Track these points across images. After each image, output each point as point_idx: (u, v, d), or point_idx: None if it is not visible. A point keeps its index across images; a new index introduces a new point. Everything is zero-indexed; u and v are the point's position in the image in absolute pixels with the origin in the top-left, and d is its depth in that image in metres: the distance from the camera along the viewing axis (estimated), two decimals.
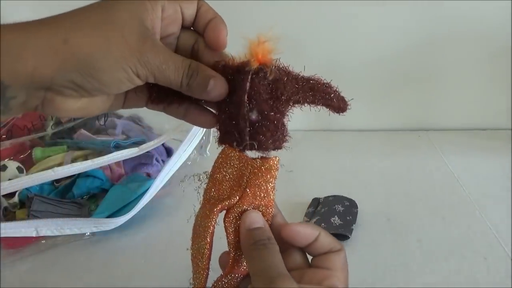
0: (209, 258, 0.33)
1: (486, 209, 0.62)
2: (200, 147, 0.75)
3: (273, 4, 0.81)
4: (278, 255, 0.31)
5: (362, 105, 0.91)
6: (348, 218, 0.58)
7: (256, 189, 0.33)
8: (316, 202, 0.64)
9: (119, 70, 0.27)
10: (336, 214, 0.58)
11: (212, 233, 0.33)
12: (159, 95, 0.32)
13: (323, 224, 0.57)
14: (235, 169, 0.33)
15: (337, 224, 0.57)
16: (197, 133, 0.70)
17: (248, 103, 0.30)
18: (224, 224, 0.33)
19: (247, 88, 0.30)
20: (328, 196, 0.63)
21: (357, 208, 0.61)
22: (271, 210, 0.34)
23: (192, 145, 0.69)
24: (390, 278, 0.50)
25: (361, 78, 0.87)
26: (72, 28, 0.27)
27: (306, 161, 0.79)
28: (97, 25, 0.27)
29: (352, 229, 0.57)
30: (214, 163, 0.34)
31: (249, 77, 0.30)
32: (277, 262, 0.30)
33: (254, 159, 0.33)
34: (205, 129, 0.71)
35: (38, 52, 0.26)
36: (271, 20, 0.84)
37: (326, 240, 0.33)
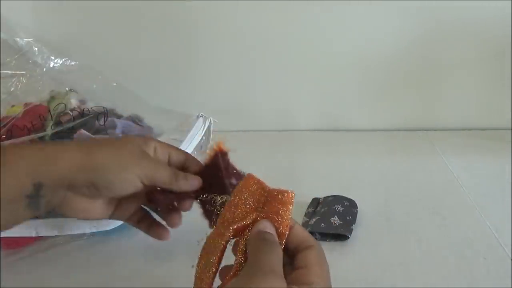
0: (214, 276, 0.33)
1: (486, 209, 0.62)
2: (200, 147, 0.75)
3: (272, 4, 0.81)
4: (280, 257, 0.32)
5: (362, 105, 0.91)
6: (348, 218, 0.58)
7: (271, 215, 0.34)
8: (316, 202, 0.64)
9: (126, 174, 0.37)
10: (336, 214, 0.58)
11: (223, 250, 0.34)
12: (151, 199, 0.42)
13: (322, 224, 0.57)
14: (253, 194, 0.36)
15: (337, 224, 0.57)
16: (197, 133, 0.70)
17: (225, 173, 0.40)
18: (235, 243, 0.35)
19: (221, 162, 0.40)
20: (328, 196, 0.63)
21: (357, 208, 0.61)
22: (284, 232, 0.34)
23: (192, 145, 0.69)
24: (390, 278, 0.50)
25: (361, 78, 0.87)
26: (94, 146, 0.37)
27: (306, 161, 0.79)
28: (111, 147, 0.38)
29: (352, 229, 0.57)
30: (235, 188, 0.37)
31: (219, 156, 0.40)
32: (277, 260, 0.31)
33: (272, 189, 0.36)
34: (205, 129, 0.71)
35: (68, 159, 0.35)
36: (271, 20, 0.84)
37: (299, 233, 0.35)
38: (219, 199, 0.39)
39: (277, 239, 0.33)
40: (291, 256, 0.34)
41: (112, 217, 0.42)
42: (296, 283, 0.31)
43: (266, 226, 0.34)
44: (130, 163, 0.37)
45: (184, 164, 0.42)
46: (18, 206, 0.33)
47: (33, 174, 0.33)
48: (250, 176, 0.37)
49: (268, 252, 0.32)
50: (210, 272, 0.33)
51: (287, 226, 0.34)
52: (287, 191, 0.35)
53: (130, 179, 0.37)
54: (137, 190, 0.38)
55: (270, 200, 0.35)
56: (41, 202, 0.34)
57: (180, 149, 0.43)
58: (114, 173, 0.36)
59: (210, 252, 0.34)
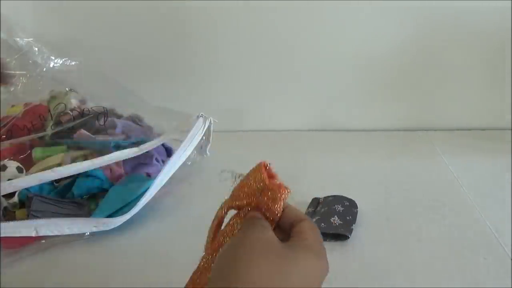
0: (213, 238, 0.37)
1: (486, 209, 0.62)
2: (200, 147, 0.75)
3: (272, 4, 0.81)
4: (270, 231, 0.35)
5: (362, 105, 0.91)
6: (348, 218, 0.58)
7: (260, 205, 0.37)
8: (316, 202, 0.64)
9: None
10: (336, 214, 0.58)
11: (220, 219, 0.38)
12: None
13: (322, 224, 0.57)
14: (256, 181, 0.38)
15: (337, 224, 0.57)
16: (197, 133, 0.70)
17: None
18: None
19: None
20: (328, 196, 0.63)
21: (357, 208, 0.61)
22: (274, 219, 0.37)
23: (192, 145, 0.69)
24: (390, 278, 0.50)
25: (361, 78, 0.87)
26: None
27: (306, 161, 0.79)
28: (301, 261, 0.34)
29: (352, 229, 0.57)
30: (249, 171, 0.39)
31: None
32: (270, 233, 0.34)
33: (270, 183, 0.37)
34: (205, 129, 0.71)
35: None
36: (271, 20, 0.84)
37: (292, 212, 0.37)
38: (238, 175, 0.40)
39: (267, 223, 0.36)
40: (288, 233, 0.36)
41: None
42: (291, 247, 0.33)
43: (255, 214, 0.37)
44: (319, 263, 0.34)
45: None
46: None
47: None
48: (260, 164, 0.39)
49: (257, 225, 0.35)
50: (209, 237, 0.38)
51: (276, 215, 0.37)
52: (279, 190, 0.37)
53: None
54: None
55: (265, 192, 0.37)
56: None
57: None
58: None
59: (211, 223, 0.38)
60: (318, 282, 0.33)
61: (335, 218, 0.57)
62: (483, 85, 0.86)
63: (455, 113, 0.90)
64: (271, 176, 0.38)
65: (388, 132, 0.90)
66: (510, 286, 0.48)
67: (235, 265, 0.31)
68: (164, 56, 0.89)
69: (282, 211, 0.37)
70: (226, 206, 0.38)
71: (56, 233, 0.56)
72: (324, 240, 0.56)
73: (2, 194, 0.57)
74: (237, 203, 0.38)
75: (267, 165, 0.39)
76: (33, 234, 0.54)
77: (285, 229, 0.37)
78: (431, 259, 0.53)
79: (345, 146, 0.86)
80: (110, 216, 0.59)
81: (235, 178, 0.40)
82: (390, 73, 0.87)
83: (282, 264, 0.31)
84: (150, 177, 0.68)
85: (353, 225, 0.57)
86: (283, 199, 0.37)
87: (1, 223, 0.53)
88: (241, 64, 0.89)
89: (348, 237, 0.56)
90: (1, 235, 0.53)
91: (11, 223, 0.54)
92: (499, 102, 0.86)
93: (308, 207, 0.63)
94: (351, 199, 0.62)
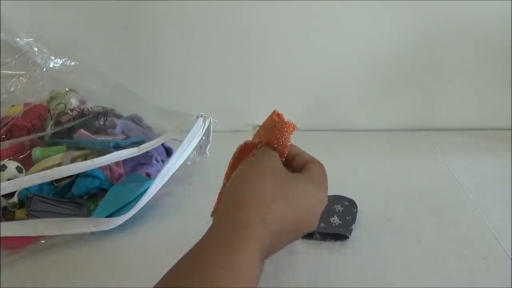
0: (230, 170, 0.45)
1: (486, 209, 0.62)
2: (200, 147, 0.75)
3: (272, 4, 0.81)
4: (278, 160, 0.41)
5: (362, 105, 0.91)
6: (347, 218, 0.58)
7: (271, 138, 0.44)
8: None
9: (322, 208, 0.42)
10: (335, 214, 0.58)
11: (237, 155, 0.45)
12: None
13: (322, 224, 0.57)
14: (270, 123, 0.45)
15: (337, 224, 0.57)
16: (197, 133, 0.70)
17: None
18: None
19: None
20: (328, 196, 0.63)
21: (356, 208, 0.61)
22: (283, 151, 0.44)
23: (192, 145, 0.69)
24: (390, 278, 0.50)
25: (361, 78, 0.87)
26: (291, 211, 0.38)
27: None
28: (304, 190, 0.41)
29: (352, 229, 0.57)
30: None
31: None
32: (277, 161, 0.41)
33: (279, 120, 0.44)
34: (205, 129, 0.71)
35: (287, 234, 0.39)
36: (271, 20, 0.84)
37: (303, 155, 0.44)
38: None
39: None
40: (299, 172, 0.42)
41: None
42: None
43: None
44: (320, 202, 0.41)
45: None
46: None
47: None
48: (274, 112, 0.45)
49: (265, 155, 0.41)
50: (230, 163, 0.46)
51: (285, 147, 0.43)
52: (286, 125, 0.43)
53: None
54: None
55: (274, 127, 0.44)
56: None
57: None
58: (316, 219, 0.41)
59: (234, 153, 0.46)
60: (315, 210, 0.39)
61: (335, 218, 0.57)
62: (483, 85, 0.86)
63: (455, 113, 0.89)
64: (282, 121, 0.44)
65: (388, 132, 0.90)
66: (510, 286, 0.48)
67: (241, 182, 0.37)
68: (164, 56, 0.89)
69: (295, 155, 0.43)
70: (245, 144, 0.45)
71: (56, 233, 0.56)
72: (324, 240, 0.56)
73: (2, 194, 0.57)
74: (255, 141, 0.45)
75: (279, 113, 0.44)
76: (33, 234, 0.55)
77: (296, 170, 0.42)
78: (431, 259, 0.53)
79: (345, 146, 0.85)
80: (110, 216, 0.59)
81: (254, 129, 0.48)
82: (390, 73, 0.87)
83: (284, 186, 0.37)
84: (149, 177, 0.68)
85: (353, 225, 0.57)
86: (290, 132, 0.43)
87: (1, 223, 0.53)
88: (241, 64, 0.89)
89: (348, 237, 0.56)
90: (1, 235, 0.53)
91: (11, 223, 0.54)
92: (499, 102, 0.86)
93: None
94: (351, 199, 0.62)
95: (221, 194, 0.45)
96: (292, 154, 0.43)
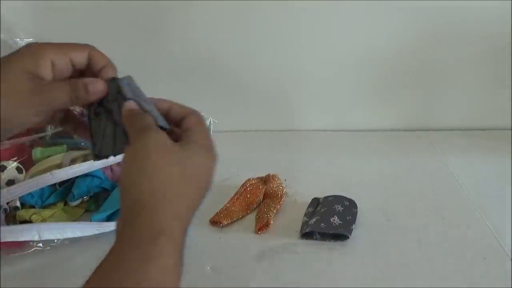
0: None
1: (486, 209, 0.62)
2: None
3: (273, 3, 0.81)
4: (148, 118, 0.36)
5: (362, 105, 0.91)
6: (348, 218, 0.58)
7: None
8: (316, 202, 0.64)
9: (19, 118, 0.35)
10: (336, 214, 0.58)
11: None
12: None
13: (322, 224, 0.57)
14: None
15: (337, 224, 0.57)
16: None
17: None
18: None
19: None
20: (328, 196, 0.63)
21: (356, 208, 0.61)
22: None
23: None
24: (390, 278, 0.50)
25: (361, 78, 0.87)
26: None
27: (306, 161, 0.79)
28: None
29: (352, 229, 0.57)
30: None
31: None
32: (146, 120, 0.35)
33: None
34: None
35: None
36: (272, 19, 0.84)
37: (178, 109, 0.38)
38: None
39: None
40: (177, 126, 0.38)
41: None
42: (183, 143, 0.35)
43: (131, 105, 0.37)
44: (18, 104, 0.34)
45: (91, 61, 0.39)
46: None
47: None
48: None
49: (140, 118, 0.35)
50: None
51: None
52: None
53: (25, 121, 0.35)
54: (39, 122, 0.37)
55: None
56: None
57: (82, 45, 0.40)
58: (5, 121, 0.34)
59: None
60: (210, 172, 0.36)
61: (335, 218, 0.57)
62: (483, 85, 0.86)
63: (455, 113, 0.89)
64: None
65: (388, 132, 0.90)
66: (510, 286, 0.48)
67: (140, 175, 0.33)
68: (164, 56, 0.89)
69: (168, 109, 0.38)
70: None
71: (58, 236, 0.56)
72: (324, 240, 0.56)
73: (2, 202, 0.56)
74: None
75: None
76: (36, 238, 0.54)
77: (174, 123, 0.38)
78: (431, 259, 0.53)
79: (345, 146, 0.85)
80: (114, 213, 0.60)
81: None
82: (390, 73, 0.86)
83: (180, 164, 0.34)
84: None
85: (353, 225, 0.57)
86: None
87: (4, 227, 0.53)
88: (241, 63, 0.89)
89: (348, 237, 0.56)
90: (3, 240, 0.53)
91: (13, 227, 0.54)
92: (499, 102, 0.86)
93: (308, 207, 0.63)
94: (351, 199, 0.62)
95: None
96: (164, 109, 0.39)
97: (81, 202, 0.65)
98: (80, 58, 0.38)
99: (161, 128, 0.36)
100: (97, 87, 0.37)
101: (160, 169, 0.32)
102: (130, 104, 0.37)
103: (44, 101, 0.35)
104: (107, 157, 0.39)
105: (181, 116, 0.38)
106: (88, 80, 0.37)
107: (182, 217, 0.33)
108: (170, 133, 0.36)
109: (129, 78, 0.39)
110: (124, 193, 0.33)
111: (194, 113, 0.38)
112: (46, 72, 0.35)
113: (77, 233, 0.57)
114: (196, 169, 0.35)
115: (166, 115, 0.38)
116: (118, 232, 0.32)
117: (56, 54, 0.36)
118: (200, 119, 0.38)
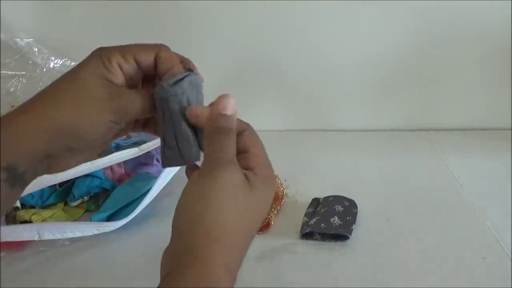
0: None
1: (486, 209, 0.62)
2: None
3: (273, 4, 0.81)
4: (233, 145, 0.34)
5: (362, 105, 0.91)
6: (348, 218, 0.58)
7: None
8: (316, 202, 0.64)
9: (100, 126, 0.33)
10: (336, 214, 0.58)
11: None
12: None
13: (323, 224, 0.57)
14: None
15: (337, 224, 0.57)
16: None
17: None
18: None
19: None
20: (328, 196, 0.63)
21: (357, 208, 0.61)
22: None
23: None
24: (390, 278, 0.50)
25: (361, 78, 0.87)
26: (52, 106, 0.32)
27: (306, 161, 0.79)
28: (68, 96, 0.32)
29: (352, 229, 0.57)
30: None
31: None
32: (231, 150, 0.33)
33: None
34: None
35: (31, 134, 0.31)
36: (272, 20, 0.84)
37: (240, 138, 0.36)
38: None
39: (233, 123, 0.35)
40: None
41: (114, 139, 0.38)
42: (242, 167, 0.34)
43: (226, 107, 0.35)
44: (95, 113, 0.32)
45: (157, 63, 0.37)
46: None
47: (3, 158, 0.30)
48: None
49: (223, 143, 0.33)
50: None
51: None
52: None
53: (102, 131, 0.33)
54: (118, 131, 0.35)
55: None
56: (25, 176, 0.32)
57: (150, 46, 0.38)
58: (82, 131, 0.32)
59: None
60: (268, 207, 0.35)
61: (335, 218, 0.57)
62: (483, 85, 0.86)
63: (455, 113, 0.89)
64: None
65: (388, 132, 0.90)
66: (510, 286, 0.48)
67: (201, 216, 0.31)
68: None
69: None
70: None
71: (58, 236, 0.56)
72: (324, 240, 0.56)
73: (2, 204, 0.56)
74: None
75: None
76: (36, 238, 0.54)
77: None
78: (431, 259, 0.53)
79: (345, 146, 0.85)
80: (114, 214, 0.60)
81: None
82: (390, 73, 0.86)
83: (246, 211, 0.32)
84: None
85: (353, 225, 0.57)
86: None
87: (4, 227, 0.53)
88: (240, 63, 0.89)
89: (348, 237, 0.56)
90: (4, 240, 0.53)
91: (13, 227, 0.54)
92: (499, 102, 0.86)
93: (308, 207, 0.63)
94: (351, 199, 0.62)
95: None
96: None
97: (81, 202, 0.65)
98: (146, 61, 0.36)
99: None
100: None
101: (223, 213, 0.31)
102: (226, 102, 0.35)
103: (120, 107, 0.33)
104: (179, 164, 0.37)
105: (244, 148, 0.36)
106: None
107: (234, 267, 0.32)
108: None
109: (193, 76, 0.38)
110: (179, 231, 0.33)
111: (247, 128, 0.37)
112: (117, 77, 0.34)
113: (77, 233, 0.57)
114: (258, 211, 0.33)
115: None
116: (167, 274, 0.31)
117: (121, 57, 0.35)
118: (256, 137, 0.37)
